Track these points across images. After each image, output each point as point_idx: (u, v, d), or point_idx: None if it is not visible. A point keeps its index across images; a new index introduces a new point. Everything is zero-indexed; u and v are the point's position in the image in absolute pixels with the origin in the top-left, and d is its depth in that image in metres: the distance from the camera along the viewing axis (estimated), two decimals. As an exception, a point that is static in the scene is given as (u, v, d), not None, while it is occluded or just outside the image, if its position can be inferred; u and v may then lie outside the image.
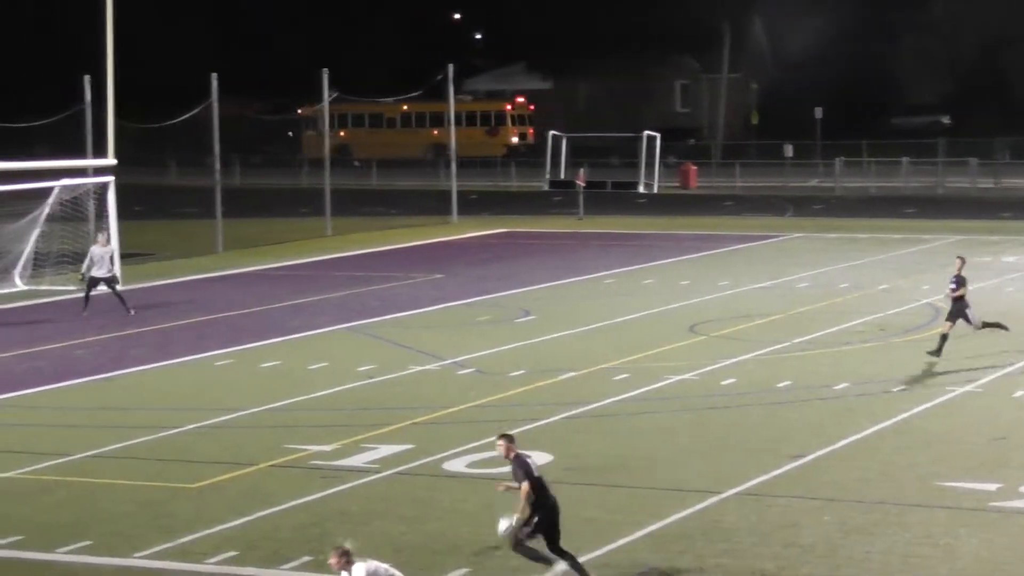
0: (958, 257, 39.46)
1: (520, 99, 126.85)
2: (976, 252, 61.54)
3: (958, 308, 38.38)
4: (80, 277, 49.99)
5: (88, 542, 24.73)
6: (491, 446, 30.28)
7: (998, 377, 36.41)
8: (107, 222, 54.41)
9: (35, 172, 57.71)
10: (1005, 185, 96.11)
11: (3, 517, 26.14)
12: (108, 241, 50.52)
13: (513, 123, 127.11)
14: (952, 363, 37.63)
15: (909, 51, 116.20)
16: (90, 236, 57.64)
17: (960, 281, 38.51)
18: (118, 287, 49.25)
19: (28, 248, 55.25)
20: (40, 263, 53.24)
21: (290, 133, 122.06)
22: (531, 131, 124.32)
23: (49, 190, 56.34)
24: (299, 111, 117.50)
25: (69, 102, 61.71)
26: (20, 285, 54.35)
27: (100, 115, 57.87)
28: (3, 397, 36.28)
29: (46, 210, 55.82)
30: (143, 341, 43.88)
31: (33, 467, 29.56)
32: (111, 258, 49.39)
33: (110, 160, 57.06)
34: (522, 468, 21.99)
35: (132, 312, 47.85)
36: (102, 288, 48.32)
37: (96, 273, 48.84)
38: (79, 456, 30.29)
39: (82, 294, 48.65)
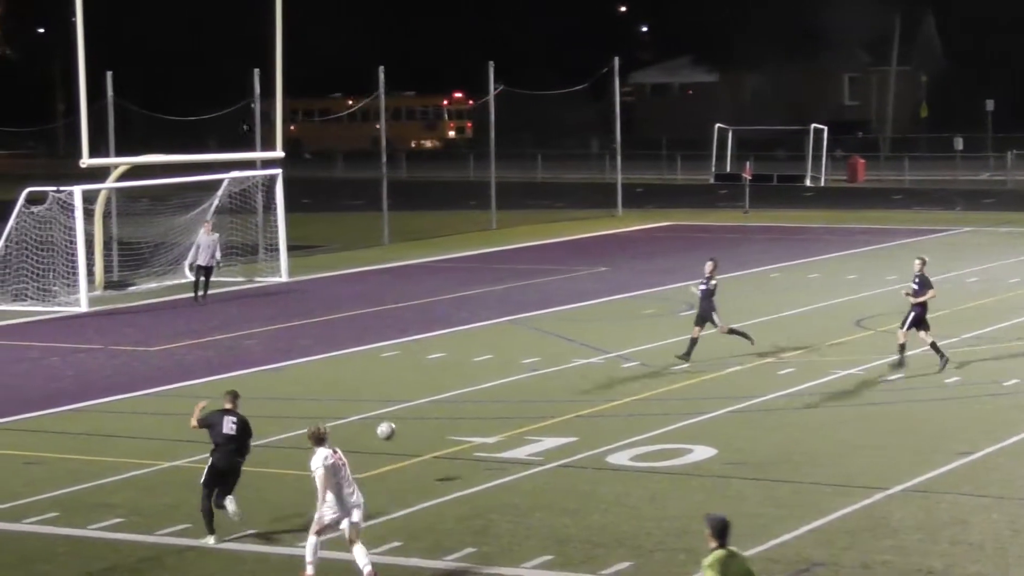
0: (918, 258, 38.91)
1: (458, 95, 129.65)
2: None
3: (917, 314, 37.53)
4: (189, 266, 50.66)
5: (254, 531, 24.98)
6: (655, 440, 30.34)
7: None
8: (211, 213, 55.01)
9: (205, 165, 58.36)
10: None
11: (171, 506, 26.46)
12: (213, 230, 51.04)
13: (450, 118, 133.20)
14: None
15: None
16: (258, 230, 58.33)
17: (924, 282, 37.88)
18: (211, 277, 49.92)
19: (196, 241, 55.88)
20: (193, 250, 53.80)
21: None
22: (469, 125, 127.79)
23: (219, 182, 56.98)
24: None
25: (239, 95, 62.29)
26: (190, 276, 54.91)
27: (268, 109, 58.42)
28: (173, 387, 36.72)
29: (215, 202, 56.43)
30: (310, 332, 44.24)
31: (202, 456, 29.84)
32: (216, 246, 50.01)
33: (278, 153, 57.56)
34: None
35: (203, 303, 49.20)
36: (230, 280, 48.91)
37: (201, 261, 49.57)
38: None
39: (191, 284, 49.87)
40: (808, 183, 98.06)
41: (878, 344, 40.60)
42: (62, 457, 29.83)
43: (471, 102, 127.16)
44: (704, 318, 38.15)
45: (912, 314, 37.24)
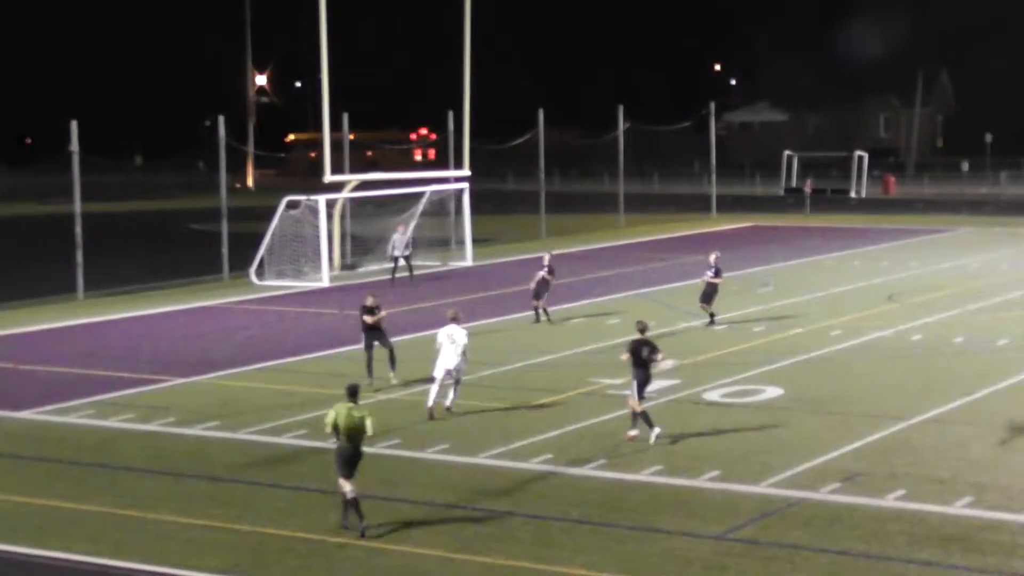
0: (713, 252, 38.76)
1: (423, 131, 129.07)
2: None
3: (710, 291, 37.87)
4: (389, 257, 50.88)
5: (446, 445, 25.11)
6: (738, 383, 30.14)
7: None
8: (408, 218, 55.14)
9: (413, 180, 58.67)
10: None
11: (389, 426, 26.45)
12: (407, 231, 51.12)
13: (417, 146, 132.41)
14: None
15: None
16: (451, 227, 58.57)
17: (718, 271, 37.87)
18: (412, 262, 50.04)
19: (408, 234, 56.17)
20: (415, 245, 54.08)
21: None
22: (432, 152, 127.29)
23: (422, 193, 57.29)
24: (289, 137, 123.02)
25: (439, 129, 62.57)
26: (402, 261, 55.19)
27: (459, 140, 58.65)
28: (392, 340, 36.92)
29: (420, 207, 56.75)
30: (489, 302, 44.36)
31: (410, 391, 30.07)
32: (408, 242, 50.17)
33: (466, 172, 57.82)
34: None
35: (415, 284, 48.75)
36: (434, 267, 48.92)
37: (396, 253, 49.79)
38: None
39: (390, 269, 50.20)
40: (853, 195, 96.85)
41: (904, 313, 40.09)
42: (308, 390, 30.16)
43: (433, 136, 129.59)
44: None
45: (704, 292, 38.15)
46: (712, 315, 38.25)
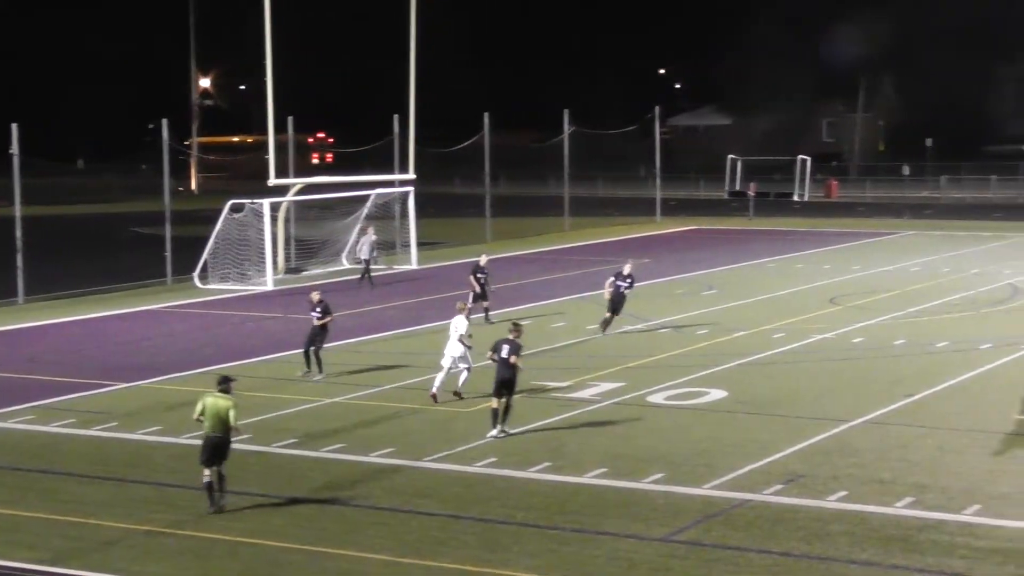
0: (627, 262, 37.97)
1: (320, 135, 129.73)
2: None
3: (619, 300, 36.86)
4: (355, 259, 50.81)
5: (392, 449, 25.08)
6: (682, 385, 30.23)
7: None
8: (371, 220, 55.20)
9: (358, 184, 58.60)
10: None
11: (333, 430, 26.59)
12: (373, 233, 51.06)
13: (313, 150, 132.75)
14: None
15: (999, 96, 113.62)
16: (396, 230, 58.50)
17: (632, 282, 37.32)
18: (372, 266, 49.93)
19: (352, 238, 56.14)
20: (359, 246, 53.90)
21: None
22: (329, 156, 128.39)
23: (367, 196, 57.21)
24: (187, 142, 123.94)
25: (385, 133, 62.50)
26: (346, 264, 55.22)
27: (405, 143, 58.57)
28: (335, 344, 36.80)
29: (364, 211, 56.67)
30: (435, 305, 44.28)
31: (355, 394, 30.04)
32: (372, 244, 50.13)
33: (411, 175, 57.75)
34: None
35: (372, 285, 48.55)
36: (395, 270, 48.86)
37: (361, 255, 49.78)
38: (388, 387, 30.73)
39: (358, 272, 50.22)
40: (796, 198, 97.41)
41: (846, 315, 40.36)
42: (253, 395, 30.03)
43: (331, 140, 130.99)
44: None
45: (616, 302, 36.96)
46: (606, 325, 37.07)
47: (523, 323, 28.21)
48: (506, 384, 25.75)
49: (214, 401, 21.22)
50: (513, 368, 25.73)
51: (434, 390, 28.52)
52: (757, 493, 21.88)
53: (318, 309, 32.10)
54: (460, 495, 22.11)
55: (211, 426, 21.10)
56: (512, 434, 25.89)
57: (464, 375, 28.96)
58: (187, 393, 30.02)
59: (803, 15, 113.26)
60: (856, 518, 20.59)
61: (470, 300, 36.58)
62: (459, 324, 29.04)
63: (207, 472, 21.21)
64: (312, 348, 31.91)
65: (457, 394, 28.85)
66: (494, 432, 25.68)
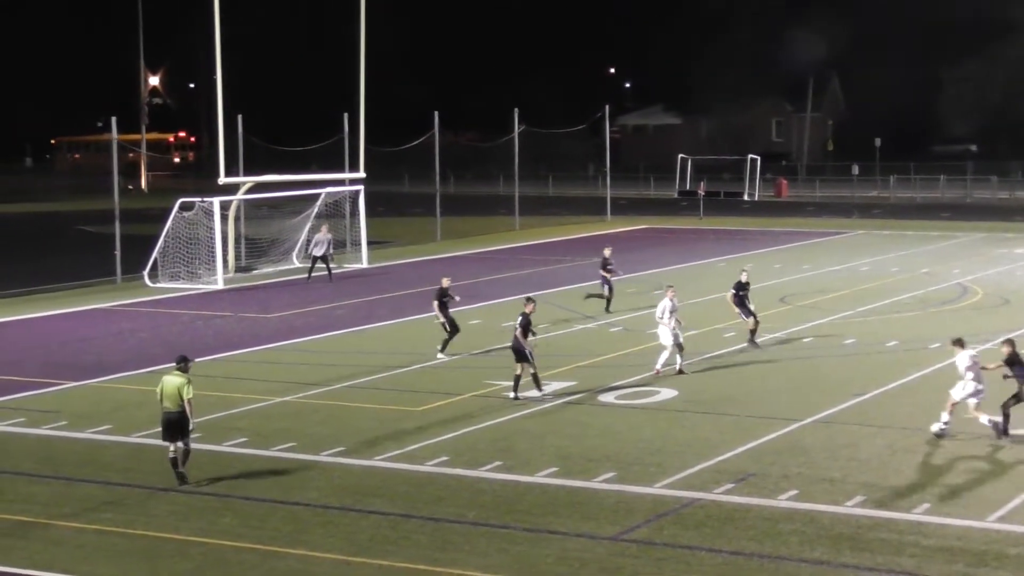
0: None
1: (182, 134, 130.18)
2: (995, 246, 60.76)
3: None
4: (308, 256, 50.69)
5: (342, 448, 25.04)
6: (633, 384, 30.30)
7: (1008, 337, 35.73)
8: (322, 218, 55.17)
9: (308, 182, 58.45)
10: (1018, 196, 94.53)
11: (283, 429, 26.54)
12: (328, 231, 50.94)
13: (176, 149, 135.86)
14: (975, 328, 37.01)
15: (948, 97, 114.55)
16: (346, 229, 58.37)
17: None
18: (331, 264, 49.91)
19: (302, 236, 56.03)
20: (311, 244, 53.77)
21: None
22: (191, 155, 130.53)
23: (317, 195, 57.08)
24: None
25: (335, 130, 62.37)
26: (296, 263, 55.08)
27: (355, 142, 58.47)
28: (285, 343, 36.81)
29: (315, 210, 56.53)
30: (384, 304, 44.27)
31: (305, 393, 29.97)
32: (329, 242, 50.07)
33: (361, 174, 57.65)
34: None
35: (331, 281, 48.82)
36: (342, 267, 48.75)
37: (315, 252, 49.70)
38: (338, 386, 30.67)
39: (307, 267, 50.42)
40: (746, 198, 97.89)
41: (796, 315, 40.56)
42: (203, 393, 29.87)
43: (193, 139, 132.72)
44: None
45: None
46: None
47: (507, 322, 28.63)
48: (514, 352, 29.00)
49: (170, 379, 22.52)
50: (515, 339, 28.98)
51: (658, 367, 31.02)
52: (708, 492, 21.96)
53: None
54: (411, 494, 22.09)
55: (167, 403, 22.38)
56: (464, 432, 25.94)
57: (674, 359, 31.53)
58: (137, 392, 29.88)
59: (753, 16, 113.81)
60: (806, 517, 20.70)
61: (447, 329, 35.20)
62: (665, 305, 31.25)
63: (171, 448, 22.46)
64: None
65: (681, 371, 31.27)
66: (511, 395, 28.64)
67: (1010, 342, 25.70)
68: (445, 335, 34.08)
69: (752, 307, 35.23)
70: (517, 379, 28.93)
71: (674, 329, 31.39)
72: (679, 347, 31.59)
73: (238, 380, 31.56)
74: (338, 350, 35.65)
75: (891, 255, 57.53)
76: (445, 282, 35.02)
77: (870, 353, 34.32)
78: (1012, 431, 25.24)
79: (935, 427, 25.51)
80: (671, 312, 31.42)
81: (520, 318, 29.36)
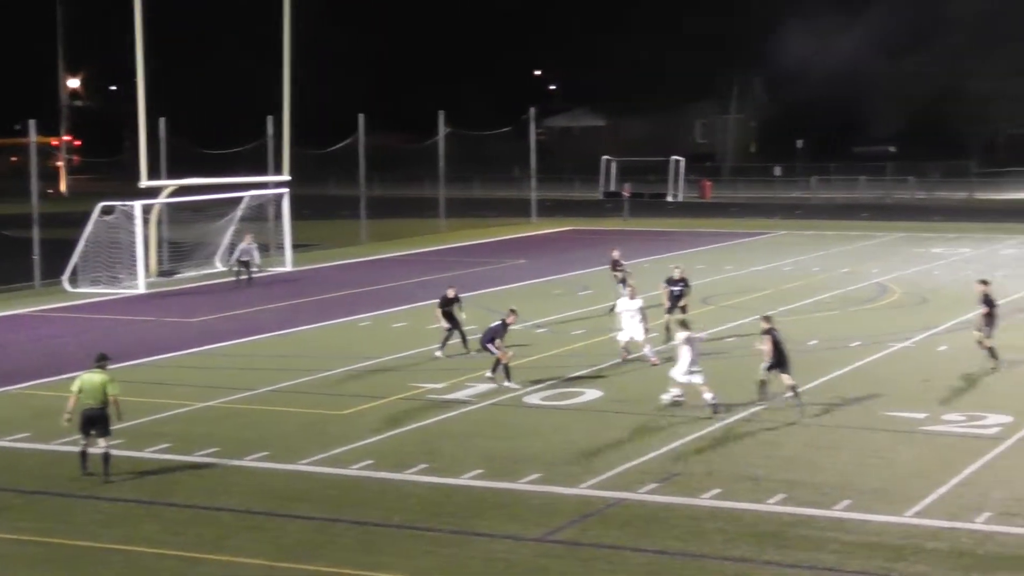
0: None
1: (67, 138, 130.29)
2: (913, 245, 61.43)
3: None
4: (236, 261, 50.38)
5: (266, 452, 24.91)
6: (558, 385, 30.35)
7: (925, 337, 36.15)
8: (246, 222, 55.06)
9: (232, 185, 58.15)
10: (936, 196, 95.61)
11: (207, 435, 26.37)
12: (252, 240, 50.58)
13: (58, 152, 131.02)
14: (894, 326, 37.38)
15: (868, 98, 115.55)
16: (271, 232, 58.12)
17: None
18: (254, 271, 49.67)
19: (225, 240, 55.74)
20: (234, 251, 53.55)
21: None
22: (76, 158, 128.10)
23: (241, 198, 56.80)
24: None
25: (260, 134, 62.11)
26: (220, 267, 54.78)
27: (279, 144, 58.23)
28: (208, 348, 36.59)
29: (239, 213, 56.26)
30: (309, 308, 44.12)
31: (229, 398, 29.80)
32: (254, 251, 49.78)
33: (285, 177, 57.44)
34: None
35: (251, 287, 48.64)
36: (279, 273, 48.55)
37: (241, 258, 49.51)
38: (262, 390, 30.51)
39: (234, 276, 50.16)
40: (670, 199, 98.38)
41: (720, 315, 40.77)
42: (125, 399, 29.61)
43: (78, 143, 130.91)
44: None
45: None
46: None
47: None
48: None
49: (90, 376, 22.99)
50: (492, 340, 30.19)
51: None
52: (633, 492, 22.04)
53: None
54: (336, 498, 22.01)
55: (87, 400, 22.84)
56: (389, 435, 25.91)
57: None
58: (56, 399, 29.53)
59: (672, 16, 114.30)
60: (729, 515, 20.81)
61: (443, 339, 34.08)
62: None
63: (84, 440, 22.99)
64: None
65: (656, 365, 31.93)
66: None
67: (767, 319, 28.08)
68: (444, 335, 34.07)
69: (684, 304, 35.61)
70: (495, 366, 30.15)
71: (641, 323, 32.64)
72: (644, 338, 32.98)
73: (161, 385, 31.33)
74: (262, 354, 35.48)
75: (812, 255, 58.00)
76: (451, 292, 34.54)
77: (792, 352, 34.44)
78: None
79: (666, 397, 27.83)
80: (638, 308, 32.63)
81: (499, 322, 30.64)
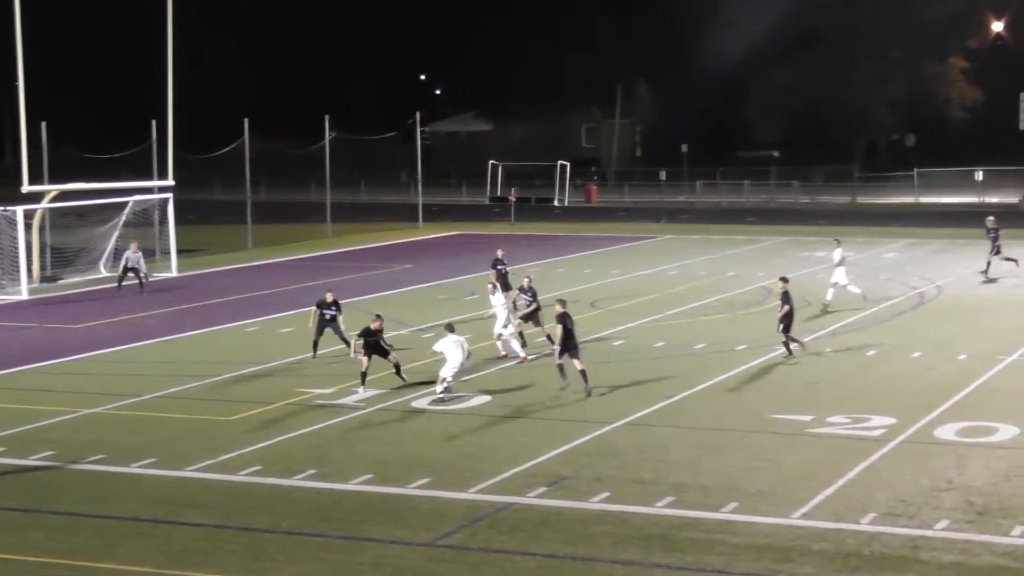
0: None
1: None
2: (796, 249, 62.14)
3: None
4: (122, 269, 49.64)
5: (153, 459, 24.67)
6: (448, 389, 30.35)
7: (810, 340, 36.58)
8: (130, 228, 54.43)
9: (116, 190, 57.43)
10: (819, 201, 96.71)
11: (92, 442, 26.06)
12: (138, 249, 49.71)
13: None
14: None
15: (753, 104, 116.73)
16: (155, 237, 57.52)
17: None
18: (143, 277, 48.86)
19: (110, 245, 55.10)
20: (118, 256, 52.90)
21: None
22: None
23: (125, 203, 56.19)
24: None
25: (143, 138, 61.44)
26: (104, 272, 54.13)
27: (163, 149, 57.66)
28: (93, 354, 36.14)
29: (123, 218, 55.66)
30: (195, 313, 43.75)
31: (115, 404, 29.47)
32: (140, 259, 49.03)
33: (170, 181, 56.89)
34: None
35: (144, 295, 47.71)
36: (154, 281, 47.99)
37: (128, 264, 48.81)
38: (148, 397, 30.22)
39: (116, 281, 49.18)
40: (556, 203, 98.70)
41: (607, 319, 41.00)
42: (8, 406, 29.22)
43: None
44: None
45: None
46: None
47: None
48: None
49: None
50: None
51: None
52: (521, 496, 22.11)
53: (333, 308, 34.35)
54: (224, 504, 21.87)
55: None
56: (277, 440, 25.79)
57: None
58: (-62, 407, 29.08)
59: (558, 22, 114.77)
60: (618, 518, 20.96)
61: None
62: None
63: None
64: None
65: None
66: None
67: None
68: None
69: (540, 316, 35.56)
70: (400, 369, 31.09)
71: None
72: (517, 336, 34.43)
73: (44, 392, 30.91)
74: (148, 360, 35.12)
75: (698, 259, 58.51)
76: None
77: (679, 356, 34.86)
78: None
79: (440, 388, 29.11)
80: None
81: (364, 329, 31.00)
